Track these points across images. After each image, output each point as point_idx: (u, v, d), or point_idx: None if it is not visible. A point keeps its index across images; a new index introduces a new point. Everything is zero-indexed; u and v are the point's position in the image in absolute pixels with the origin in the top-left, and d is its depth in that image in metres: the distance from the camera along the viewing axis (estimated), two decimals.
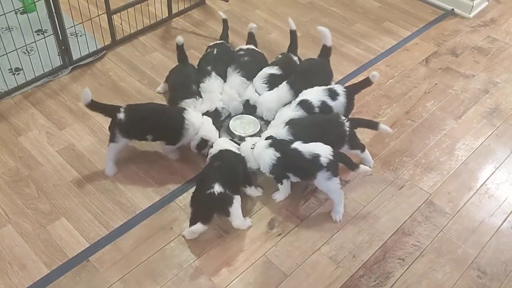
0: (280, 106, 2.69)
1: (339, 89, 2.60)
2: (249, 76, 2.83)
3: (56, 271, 2.13)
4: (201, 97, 2.68)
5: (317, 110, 2.54)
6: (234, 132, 2.66)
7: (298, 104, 2.55)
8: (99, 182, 2.47)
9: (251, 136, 2.60)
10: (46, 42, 2.93)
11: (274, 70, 2.81)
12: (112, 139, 2.43)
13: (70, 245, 2.22)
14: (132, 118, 2.40)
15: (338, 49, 3.29)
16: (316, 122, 2.47)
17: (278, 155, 2.28)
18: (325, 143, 2.29)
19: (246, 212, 2.36)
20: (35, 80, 2.97)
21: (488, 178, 2.58)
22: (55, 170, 2.52)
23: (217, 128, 2.56)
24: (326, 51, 2.80)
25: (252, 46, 3.01)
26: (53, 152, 2.61)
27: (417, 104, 2.97)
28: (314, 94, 2.57)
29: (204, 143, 2.44)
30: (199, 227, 2.10)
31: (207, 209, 2.15)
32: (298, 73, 2.77)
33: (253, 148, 2.36)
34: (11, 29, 3.10)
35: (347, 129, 2.41)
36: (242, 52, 2.94)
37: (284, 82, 2.73)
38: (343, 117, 2.46)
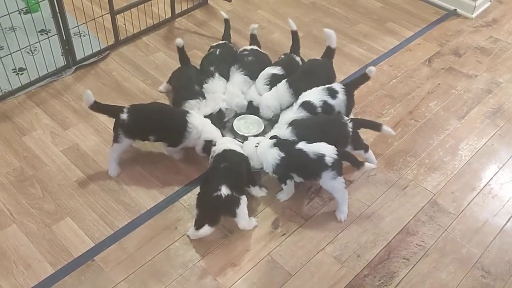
0: (279, 104, 2.70)
1: (338, 87, 2.60)
2: (252, 75, 2.83)
3: (61, 270, 2.13)
4: (204, 98, 2.69)
5: (319, 110, 2.55)
6: (238, 132, 2.66)
7: (300, 106, 2.55)
8: (103, 182, 2.48)
9: (255, 136, 2.61)
10: (50, 42, 2.94)
11: (277, 70, 2.82)
12: (115, 140, 2.44)
13: (75, 245, 2.22)
14: (135, 119, 2.40)
15: (341, 49, 3.29)
16: (319, 122, 2.48)
17: (283, 155, 2.28)
18: (329, 144, 2.29)
19: (250, 212, 2.35)
20: (39, 80, 2.97)
21: (492, 178, 2.58)
22: (59, 170, 2.52)
23: (220, 128, 2.56)
24: (330, 52, 2.81)
25: (255, 47, 3.01)
26: (57, 152, 2.61)
27: (420, 104, 2.98)
28: (315, 95, 2.58)
29: (208, 145, 2.43)
30: (206, 230, 2.10)
31: (214, 211, 2.14)
32: (301, 73, 2.78)
33: (257, 147, 2.36)
34: (15, 29, 3.11)
35: (350, 129, 2.41)
36: (246, 52, 2.94)
37: (284, 81, 2.73)
38: (346, 118, 2.46)
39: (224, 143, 2.40)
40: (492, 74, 3.22)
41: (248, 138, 2.52)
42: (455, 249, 2.26)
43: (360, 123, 2.51)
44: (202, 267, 2.16)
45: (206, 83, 2.77)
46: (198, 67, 2.92)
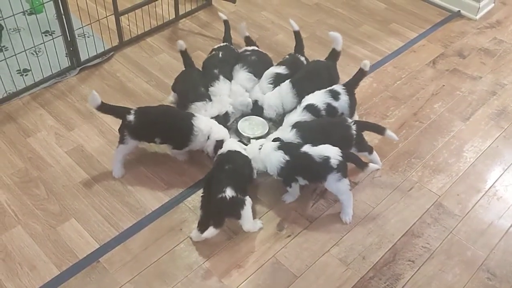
0: (281, 103, 2.70)
1: (339, 88, 2.61)
2: (256, 72, 2.83)
3: (66, 272, 2.13)
4: (210, 100, 2.68)
5: (323, 112, 2.54)
6: (243, 133, 2.66)
7: (304, 108, 2.55)
8: (108, 183, 2.48)
9: (259, 137, 2.60)
10: (54, 43, 2.94)
11: (281, 69, 2.82)
12: (121, 141, 2.44)
13: (80, 246, 2.22)
14: (142, 121, 2.40)
15: (345, 51, 3.28)
16: (323, 125, 2.48)
17: (287, 158, 2.28)
18: (333, 146, 2.29)
19: (255, 214, 2.36)
20: (44, 81, 2.97)
21: (497, 180, 2.58)
22: (64, 171, 2.52)
23: (225, 125, 2.57)
24: (334, 54, 2.81)
25: (255, 48, 3.01)
26: (62, 153, 2.61)
27: (425, 105, 2.98)
28: (318, 97, 2.58)
29: (219, 145, 2.42)
30: (211, 231, 2.08)
31: (219, 213, 2.14)
32: (304, 73, 2.77)
33: (260, 149, 2.36)
34: (19, 30, 3.11)
35: (354, 132, 2.41)
36: (248, 52, 2.94)
37: (287, 81, 2.73)
38: (350, 120, 2.46)
39: (229, 144, 2.40)
40: (496, 75, 3.22)
41: (251, 140, 2.52)
42: (461, 251, 2.26)
43: (364, 126, 2.51)
44: (207, 268, 2.16)
45: (212, 86, 2.76)
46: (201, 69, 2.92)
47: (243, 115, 2.78)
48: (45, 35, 3.16)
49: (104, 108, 2.40)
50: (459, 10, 3.75)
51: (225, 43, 3.04)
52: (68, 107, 2.87)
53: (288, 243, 2.27)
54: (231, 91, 2.76)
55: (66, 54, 3.04)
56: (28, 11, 3.29)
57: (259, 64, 2.88)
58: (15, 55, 2.81)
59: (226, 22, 3.16)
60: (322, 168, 2.23)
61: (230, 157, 2.32)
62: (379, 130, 2.50)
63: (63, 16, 2.85)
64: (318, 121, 2.52)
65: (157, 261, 2.18)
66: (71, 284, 2.09)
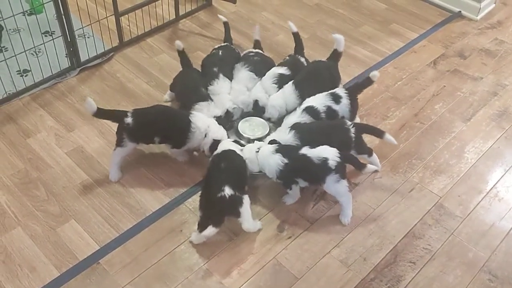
0: (285, 105, 2.69)
1: (341, 92, 2.59)
2: (258, 71, 2.82)
3: (66, 273, 2.13)
4: (212, 100, 2.68)
5: (323, 115, 2.54)
6: (243, 134, 2.66)
7: (304, 110, 2.54)
8: (108, 184, 2.47)
9: (260, 138, 2.60)
10: (54, 44, 2.93)
11: (283, 70, 2.81)
12: (119, 144, 2.43)
13: (80, 248, 2.22)
14: (140, 122, 2.39)
15: (346, 51, 3.25)
16: (321, 127, 2.47)
17: (286, 161, 2.27)
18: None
19: (255, 215, 2.35)
20: (43, 82, 2.97)
21: (498, 181, 2.57)
22: (64, 172, 2.52)
23: (227, 129, 2.56)
24: (336, 55, 2.80)
25: (259, 51, 3.01)
26: (62, 154, 2.60)
27: (426, 106, 2.97)
28: (319, 100, 2.57)
29: (216, 144, 2.42)
30: (211, 230, 2.08)
31: (218, 212, 2.14)
32: (306, 74, 2.77)
33: (258, 152, 2.34)
34: (19, 31, 3.10)
35: (353, 134, 2.40)
36: (252, 54, 2.94)
37: (290, 82, 2.73)
38: (349, 123, 2.45)
39: (224, 144, 2.39)
40: (497, 76, 3.21)
41: (253, 140, 2.51)
42: (462, 253, 2.25)
43: (363, 128, 2.50)
44: (207, 270, 2.16)
45: (211, 85, 2.75)
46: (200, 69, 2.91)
47: (244, 115, 2.77)
48: (45, 36, 3.15)
49: (100, 113, 2.40)
50: (460, 11, 3.75)
51: (225, 43, 3.04)
52: (68, 108, 2.86)
53: (288, 244, 2.26)
54: (233, 89, 2.75)
55: (66, 54, 3.04)
56: (28, 11, 3.28)
57: (261, 64, 2.88)
58: (15, 55, 2.81)
59: (226, 24, 3.15)
60: (320, 170, 2.22)
61: (226, 156, 2.31)
62: (378, 133, 2.49)
63: (63, 17, 2.85)
64: (317, 123, 2.51)
65: (158, 262, 2.18)
66: (71, 286, 2.09)
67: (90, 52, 3.11)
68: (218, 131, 2.47)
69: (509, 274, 2.18)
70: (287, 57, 2.96)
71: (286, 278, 2.14)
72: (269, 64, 2.92)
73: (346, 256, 2.22)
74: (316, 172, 2.24)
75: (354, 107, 2.60)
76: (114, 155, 2.47)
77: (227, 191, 2.12)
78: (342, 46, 2.78)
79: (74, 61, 3.06)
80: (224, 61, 2.86)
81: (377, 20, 3.66)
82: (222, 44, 3.02)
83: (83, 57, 3.08)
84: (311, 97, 2.59)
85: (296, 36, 2.96)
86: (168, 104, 2.89)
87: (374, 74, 2.55)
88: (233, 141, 2.45)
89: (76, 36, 2.99)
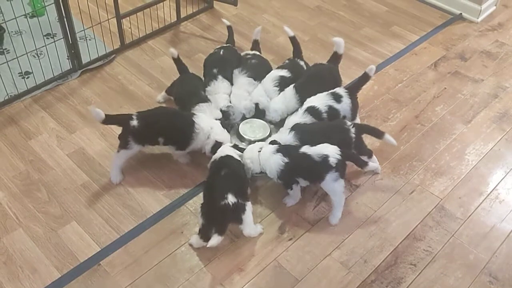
0: (286, 108, 2.69)
1: (341, 91, 2.60)
2: (256, 76, 2.83)
3: (67, 275, 2.13)
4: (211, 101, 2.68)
5: (325, 115, 2.54)
6: (244, 136, 2.66)
7: (305, 110, 2.54)
8: (109, 186, 2.47)
9: (261, 140, 2.60)
10: (56, 46, 2.94)
11: (284, 72, 2.82)
12: (124, 146, 2.43)
13: (81, 249, 2.22)
14: (145, 124, 2.40)
15: (346, 53, 3.27)
16: (321, 128, 2.47)
17: (287, 160, 2.27)
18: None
19: (256, 217, 2.36)
20: (45, 84, 2.98)
21: (499, 183, 2.57)
22: (65, 174, 2.52)
23: (228, 129, 2.57)
24: (336, 57, 2.80)
25: (257, 53, 3.01)
26: (63, 156, 2.61)
27: (426, 108, 2.97)
28: (320, 100, 2.57)
29: (218, 146, 2.43)
30: (217, 239, 2.05)
31: (222, 220, 2.11)
32: (307, 78, 2.77)
33: (260, 151, 2.35)
34: (21, 33, 3.11)
35: (353, 135, 2.40)
36: (248, 56, 2.94)
37: (291, 86, 2.73)
38: (349, 123, 2.45)
39: (223, 150, 2.39)
40: (498, 78, 3.22)
41: (254, 142, 2.52)
42: (463, 255, 2.25)
43: (363, 129, 2.50)
44: (208, 272, 2.16)
45: (209, 85, 2.76)
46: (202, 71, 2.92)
47: (244, 117, 2.77)
48: (47, 38, 3.16)
49: (108, 120, 2.40)
50: (461, 13, 3.75)
51: (227, 44, 3.04)
52: (69, 110, 2.87)
53: (289, 246, 2.26)
54: (234, 95, 2.76)
55: (67, 56, 3.05)
56: (30, 14, 3.29)
57: (259, 67, 2.88)
58: (17, 57, 2.81)
59: (229, 28, 3.15)
60: (321, 167, 2.22)
61: (225, 163, 2.30)
62: (378, 134, 2.48)
63: (65, 19, 2.85)
64: (317, 124, 2.51)
65: (158, 264, 2.18)
66: (72, 287, 2.09)
67: (92, 54, 3.12)
68: (222, 134, 2.48)
69: (510, 276, 2.18)
70: (287, 61, 2.97)
71: (287, 280, 2.14)
72: (266, 67, 2.93)
73: (347, 258, 2.22)
74: (317, 170, 2.24)
75: (355, 106, 2.61)
76: (117, 157, 2.47)
77: (231, 198, 2.11)
78: (342, 48, 2.78)
79: (75, 63, 3.07)
80: (225, 62, 2.86)
81: (378, 22, 3.67)
82: (224, 45, 3.03)
83: (85, 59, 3.09)
84: (312, 97, 2.59)
85: (293, 40, 2.96)
86: (167, 98, 2.89)
87: (371, 68, 2.56)
88: (232, 146, 2.45)
89: (78, 38, 3.00)
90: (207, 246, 2.09)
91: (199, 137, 2.44)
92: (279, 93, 2.74)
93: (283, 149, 2.32)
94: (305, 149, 2.28)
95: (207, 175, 2.34)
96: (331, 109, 2.55)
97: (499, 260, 2.24)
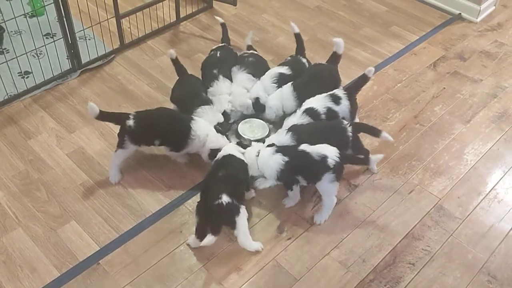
0: (281, 105, 2.70)
1: (340, 92, 2.60)
2: (255, 73, 2.83)
3: (66, 274, 2.13)
4: (213, 103, 2.68)
5: (323, 117, 2.54)
6: (243, 136, 2.66)
7: (304, 112, 2.54)
8: (108, 186, 2.48)
9: (260, 139, 2.60)
10: (55, 46, 2.94)
11: (284, 69, 2.82)
12: (120, 146, 2.43)
13: (80, 248, 2.22)
14: (142, 125, 2.40)
15: (346, 53, 3.27)
16: (318, 128, 2.47)
17: (287, 159, 2.27)
18: None
19: (255, 217, 2.37)
20: (45, 84, 2.98)
21: (497, 182, 2.57)
22: (64, 173, 2.53)
23: (226, 131, 2.56)
24: (335, 57, 2.80)
25: (254, 51, 3.02)
26: (62, 155, 2.61)
27: (426, 108, 2.97)
28: (319, 101, 2.57)
29: (214, 153, 2.41)
30: (210, 239, 2.05)
31: (216, 220, 2.11)
32: (306, 77, 2.77)
33: (258, 155, 2.34)
34: (20, 33, 3.11)
35: (350, 134, 2.40)
36: (246, 54, 2.95)
37: (289, 83, 2.73)
38: (346, 122, 2.45)
39: (226, 149, 2.39)
40: (497, 78, 3.22)
41: (252, 142, 2.52)
42: (461, 254, 2.26)
43: (360, 128, 2.51)
44: (207, 271, 2.16)
45: (211, 86, 2.76)
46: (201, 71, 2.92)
47: (244, 117, 2.77)
48: (46, 38, 3.17)
49: (103, 116, 2.40)
50: (460, 13, 3.76)
51: (223, 44, 3.05)
52: (69, 110, 2.87)
53: (288, 245, 2.27)
54: (233, 92, 2.76)
55: (67, 56, 3.05)
56: (30, 13, 3.30)
57: (257, 64, 2.89)
58: (16, 57, 2.82)
59: (223, 25, 3.15)
60: (319, 166, 2.23)
61: (226, 162, 2.30)
62: (375, 132, 2.48)
63: (64, 19, 2.86)
64: (314, 124, 2.50)
65: (157, 263, 2.18)
66: (71, 286, 2.09)
67: (91, 54, 3.13)
68: (216, 141, 2.45)
69: (508, 275, 2.18)
70: (289, 58, 2.97)
71: (286, 279, 2.15)
72: (263, 65, 2.94)
73: (346, 258, 2.22)
74: (315, 169, 2.25)
75: (353, 107, 2.61)
76: (115, 157, 2.47)
77: (225, 198, 2.11)
78: (341, 49, 2.78)
79: (75, 63, 3.07)
80: (223, 61, 2.86)
81: (377, 22, 3.67)
82: (220, 45, 3.03)
83: (84, 59, 3.10)
84: (311, 99, 2.59)
85: (298, 37, 2.96)
86: (168, 98, 2.86)
87: (370, 70, 2.55)
88: (236, 144, 2.45)
89: (77, 38, 3.01)
90: (201, 244, 2.10)
91: (195, 143, 2.44)
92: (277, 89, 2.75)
93: (282, 149, 2.32)
94: (304, 147, 2.28)
95: (207, 173, 2.34)
96: (329, 110, 2.55)
97: (498, 259, 2.24)
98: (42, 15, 3.33)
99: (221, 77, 2.78)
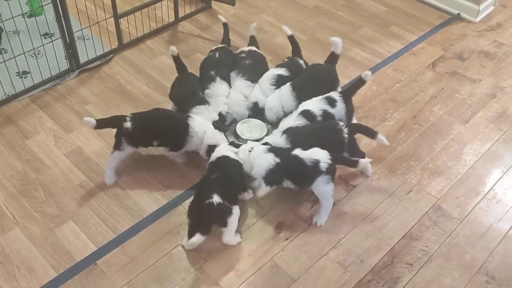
0: (281, 106, 2.69)
1: (336, 95, 2.59)
2: (253, 78, 2.82)
3: (63, 274, 2.13)
4: (209, 103, 2.67)
5: (319, 119, 2.53)
6: (241, 136, 2.66)
7: (300, 114, 2.54)
8: (106, 186, 2.47)
9: (258, 140, 2.60)
10: (53, 46, 2.94)
11: (282, 71, 2.82)
12: (117, 147, 2.43)
13: (78, 249, 2.22)
14: (139, 126, 2.39)
15: (345, 53, 3.28)
16: (314, 129, 2.45)
17: (278, 160, 2.27)
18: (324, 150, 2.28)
19: (253, 217, 2.36)
20: (43, 84, 2.98)
21: (496, 183, 2.57)
22: (62, 174, 2.52)
23: (222, 130, 2.56)
24: (333, 57, 2.80)
25: (253, 48, 3.00)
26: (60, 156, 2.61)
27: (424, 108, 2.97)
28: (314, 104, 2.57)
29: (212, 149, 2.42)
30: (198, 238, 2.05)
31: (205, 219, 2.11)
32: (305, 77, 2.77)
33: (251, 151, 2.34)
34: (18, 33, 3.11)
35: (346, 135, 2.39)
36: (243, 55, 2.93)
37: (288, 84, 2.73)
38: (342, 123, 2.44)
39: (219, 150, 2.38)
40: (496, 78, 3.21)
41: (249, 142, 2.51)
42: (459, 254, 2.25)
43: (356, 128, 2.50)
44: (204, 271, 2.16)
45: (207, 88, 2.76)
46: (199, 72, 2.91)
47: (242, 117, 2.77)
48: (45, 38, 3.17)
49: (101, 124, 2.40)
50: (459, 13, 3.75)
51: (223, 45, 3.04)
52: (67, 110, 2.87)
53: (286, 246, 2.26)
54: (231, 98, 2.75)
55: (65, 56, 3.05)
56: (28, 13, 3.30)
57: (255, 67, 2.87)
58: (14, 57, 2.81)
59: (225, 25, 3.15)
60: (312, 171, 2.22)
61: (219, 164, 2.30)
62: (371, 134, 2.48)
63: (62, 19, 2.86)
64: (310, 126, 2.49)
65: (155, 263, 2.18)
66: (68, 287, 2.09)
67: (90, 54, 3.12)
68: (214, 137, 2.46)
69: (507, 276, 2.18)
70: (286, 59, 2.97)
71: (283, 279, 2.14)
72: (262, 65, 2.93)
73: (343, 258, 2.22)
74: (308, 174, 2.24)
75: (349, 110, 2.60)
76: (111, 158, 2.47)
77: (215, 198, 2.10)
78: (339, 49, 2.78)
79: (73, 63, 3.07)
80: (221, 63, 2.86)
81: (376, 22, 3.67)
82: (219, 46, 3.02)
83: (82, 59, 3.09)
84: (307, 101, 2.59)
85: (291, 39, 2.96)
86: (166, 99, 2.87)
87: (367, 74, 2.55)
88: (229, 144, 2.45)
89: (76, 38, 3.00)
90: (189, 243, 2.10)
91: (193, 140, 2.44)
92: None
93: (275, 150, 2.31)
94: (297, 152, 2.27)
95: (203, 175, 2.34)
96: (325, 113, 2.54)
97: (496, 260, 2.24)
98: (40, 15, 3.33)
99: (218, 79, 2.77)
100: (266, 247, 2.25)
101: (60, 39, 2.94)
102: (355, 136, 2.48)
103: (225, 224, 2.14)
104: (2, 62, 2.80)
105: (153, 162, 2.59)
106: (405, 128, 2.84)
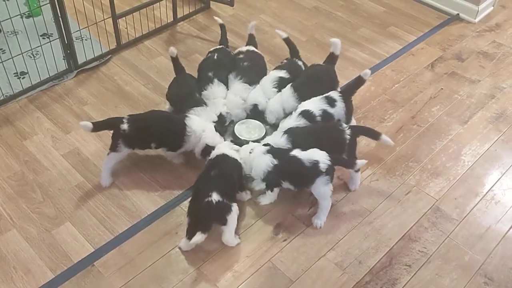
0: (282, 109, 2.69)
1: (335, 95, 2.58)
2: (251, 81, 2.81)
3: (60, 276, 2.12)
4: (206, 105, 2.67)
5: (319, 119, 2.53)
6: (239, 137, 2.65)
7: (299, 114, 2.53)
8: (104, 187, 2.46)
9: (256, 140, 2.59)
10: (51, 46, 2.94)
11: (283, 73, 2.81)
12: (113, 149, 2.42)
13: (75, 250, 2.21)
14: (136, 128, 2.39)
15: (343, 54, 3.27)
16: (315, 130, 2.45)
17: (276, 162, 2.26)
18: (325, 151, 2.27)
19: (251, 218, 2.36)
20: (41, 84, 2.97)
21: (495, 184, 2.56)
22: (60, 175, 2.52)
23: (222, 133, 2.55)
24: (333, 58, 2.80)
25: (251, 48, 2.99)
26: (58, 156, 2.60)
27: (423, 109, 2.96)
28: (314, 104, 2.56)
29: (208, 149, 2.41)
30: (199, 237, 2.04)
31: (206, 218, 2.11)
32: (305, 78, 2.76)
33: (251, 153, 2.34)
34: (16, 33, 3.11)
35: (348, 136, 2.38)
36: (241, 56, 2.92)
37: (289, 85, 2.72)
38: (344, 125, 2.44)
39: (220, 148, 2.38)
40: (495, 79, 3.21)
41: (249, 142, 2.51)
42: (458, 256, 2.24)
43: (358, 130, 2.49)
44: (202, 272, 2.15)
45: (205, 89, 2.75)
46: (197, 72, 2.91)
47: (241, 118, 2.76)
48: (43, 38, 3.16)
49: (97, 127, 2.39)
50: (458, 14, 3.75)
51: (221, 46, 3.03)
52: (65, 110, 2.86)
53: (284, 247, 2.25)
54: (229, 101, 2.74)
55: (63, 57, 3.04)
56: (26, 14, 3.29)
57: (253, 69, 2.85)
58: (12, 58, 2.81)
59: (222, 26, 3.13)
60: (311, 172, 2.22)
61: (218, 162, 2.30)
62: (374, 135, 2.46)
63: (61, 19, 2.85)
64: (311, 127, 2.48)
65: (152, 265, 2.17)
66: None
67: (88, 54, 3.12)
68: (213, 137, 2.46)
69: (505, 277, 2.17)
70: (285, 61, 2.96)
71: (281, 281, 2.14)
72: (260, 66, 2.92)
73: (342, 259, 2.21)
74: (306, 175, 2.23)
75: (349, 109, 2.59)
76: (107, 159, 2.46)
77: (215, 196, 2.10)
78: (338, 49, 2.78)
79: (71, 63, 3.06)
80: (219, 65, 2.85)
81: (375, 23, 3.66)
82: (217, 47, 3.01)
83: (81, 59, 3.09)
84: (306, 101, 2.58)
85: (287, 41, 2.95)
86: (164, 99, 2.86)
87: (366, 72, 2.54)
88: (230, 142, 2.44)
89: (74, 39, 3.00)
90: (190, 243, 2.10)
91: (191, 139, 2.43)
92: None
93: (274, 151, 2.31)
94: (296, 152, 2.27)
95: (200, 173, 2.33)
96: (325, 113, 2.54)
97: (495, 261, 2.23)
98: (38, 16, 3.31)
99: (215, 80, 2.76)
100: (264, 248, 2.25)
101: (58, 39, 2.94)
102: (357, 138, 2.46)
103: (224, 222, 2.13)
104: (0, 62, 2.79)
105: (151, 163, 2.58)
106: (403, 129, 2.83)
